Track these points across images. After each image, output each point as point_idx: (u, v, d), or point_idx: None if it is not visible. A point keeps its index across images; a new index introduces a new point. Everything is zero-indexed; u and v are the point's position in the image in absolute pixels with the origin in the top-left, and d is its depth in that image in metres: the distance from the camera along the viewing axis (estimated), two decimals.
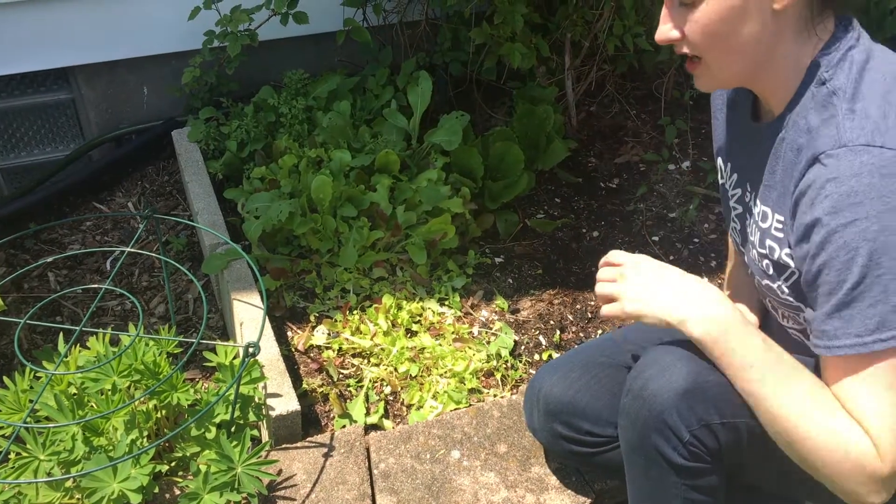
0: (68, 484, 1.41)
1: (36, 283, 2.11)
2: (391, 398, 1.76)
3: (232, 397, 1.47)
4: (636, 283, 1.18)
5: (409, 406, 1.74)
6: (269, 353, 1.66)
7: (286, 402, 1.56)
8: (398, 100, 2.25)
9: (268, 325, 1.73)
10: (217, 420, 1.48)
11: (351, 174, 2.01)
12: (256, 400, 1.56)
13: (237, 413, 1.50)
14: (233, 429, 1.50)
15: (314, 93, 2.25)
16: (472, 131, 2.18)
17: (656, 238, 2.21)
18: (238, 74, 2.38)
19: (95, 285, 1.65)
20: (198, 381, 1.81)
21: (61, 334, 1.68)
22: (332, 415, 1.70)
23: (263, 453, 1.51)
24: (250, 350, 1.37)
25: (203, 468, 1.40)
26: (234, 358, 1.57)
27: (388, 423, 1.70)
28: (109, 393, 1.40)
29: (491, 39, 2.15)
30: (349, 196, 1.94)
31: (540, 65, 2.34)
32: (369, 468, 1.54)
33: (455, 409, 1.69)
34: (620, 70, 2.50)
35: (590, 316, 1.99)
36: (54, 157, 2.52)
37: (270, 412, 1.55)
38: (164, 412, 1.53)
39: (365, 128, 2.16)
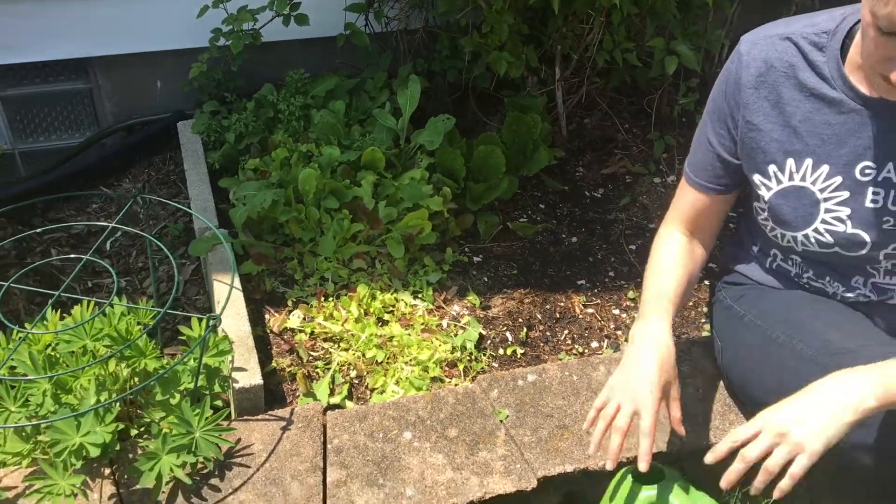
0: (41, 438, 1.51)
1: (39, 259, 2.23)
2: (356, 381, 1.84)
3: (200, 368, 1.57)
4: (800, 431, 1.24)
5: (373, 390, 1.82)
6: (241, 331, 1.76)
7: (250, 377, 1.65)
8: (392, 102, 2.35)
9: (243, 305, 1.83)
10: (182, 388, 1.57)
11: (338, 169, 2.11)
12: (225, 372, 1.66)
13: (203, 383, 1.60)
14: (198, 398, 1.59)
15: (312, 92, 2.36)
16: (457, 134, 2.27)
17: (633, 247, 2.27)
18: (246, 72, 2.49)
19: (75, 255, 1.77)
20: (177, 357, 1.91)
21: (49, 303, 1.79)
22: (297, 393, 1.79)
23: (225, 423, 1.60)
24: (212, 322, 1.46)
25: (165, 431, 1.50)
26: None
27: (350, 405, 1.78)
28: (80, 354, 1.50)
29: (481, 48, 2.24)
30: (333, 189, 2.03)
31: (530, 75, 2.42)
32: (324, 443, 1.63)
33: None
34: (613, 84, 2.57)
35: (557, 316, 2.06)
36: (70, 144, 2.65)
37: (235, 385, 1.64)
38: (136, 380, 1.63)
39: (357, 127, 2.27)
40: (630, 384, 1.41)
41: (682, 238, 1.62)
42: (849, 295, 1.54)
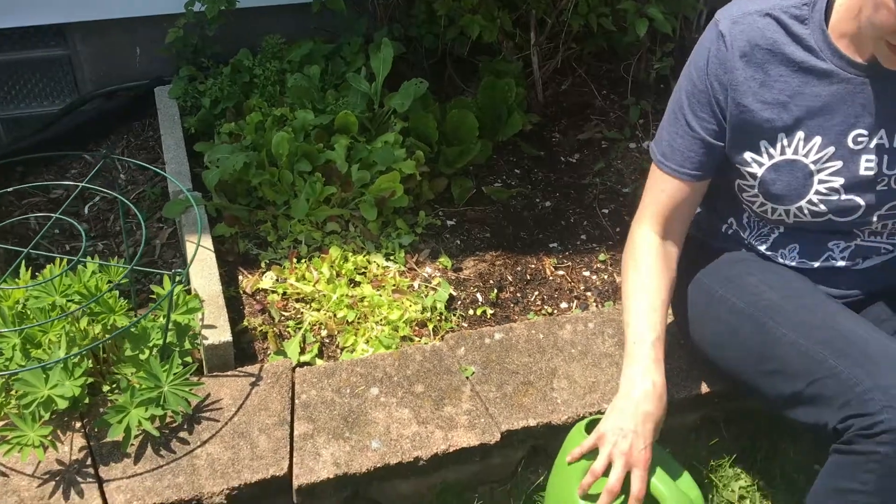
0: (12, 393, 1.54)
1: (17, 224, 2.26)
2: (327, 340, 1.87)
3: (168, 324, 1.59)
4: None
5: (343, 349, 1.85)
6: (211, 290, 1.78)
7: (220, 334, 1.68)
8: (368, 67, 2.36)
9: (214, 266, 1.86)
10: (151, 344, 1.60)
11: (312, 133, 2.13)
12: (195, 330, 1.68)
13: (173, 340, 1.63)
14: (168, 355, 1.62)
15: (288, 57, 2.37)
16: (431, 99, 2.28)
17: (606, 211, 2.30)
18: (222, 38, 2.50)
19: (44, 213, 1.79)
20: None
21: (19, 259, 1.82)
22: (268, 352, 1.82)
23: (194, 378, 1.63)
24: (177, 277, 1.49)
25: (133, 385, 1.53)
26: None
27: (320, 363, 1.81)
28: (49, 310, 1.53)
29: (455, 11, 2.25)
30: (306, 152, 2.05)
31: (505, 40, 2.43)
32: (292, 398, 1.66)
33: None
34: (589, 50, 2.58)
35: (528, 278, 2.08)
36: (50, 111, 2.67)
37: (204, 342, 1.67)
38: (106, 336, 1.66)
39: (332, 91, 2.28)
40: (624, 439, 1.38)
41: (657, 241, 1.53)
42: (808, 262, 1.55)
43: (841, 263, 1.54)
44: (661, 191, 1.53)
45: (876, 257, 1.55)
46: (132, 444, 1.52)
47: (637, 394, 1.41)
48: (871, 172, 1.41)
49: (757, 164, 1.45)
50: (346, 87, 2.29)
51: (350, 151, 2.11)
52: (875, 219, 1.46)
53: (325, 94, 2.27)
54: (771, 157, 1.44)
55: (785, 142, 1.42)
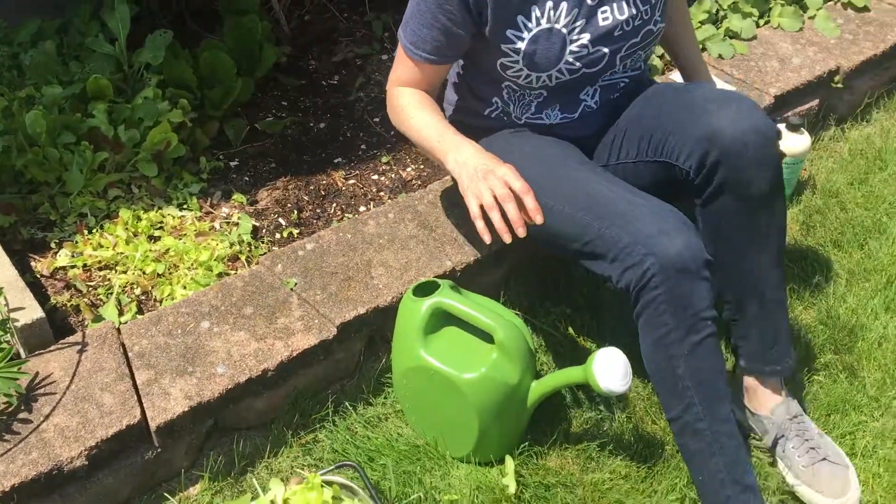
0: None
1: None
2: (143, 298, 1.87)
3: None
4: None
5: (162, 300, 1.86)
6: (6, 276, 1.72)
7: (30, 313, 1.64)
8: (106, 32, 2.30)
9: (2, 252, 1.78)
10: None
11: (66, 105, 2.06)
12: (3, 316, 1.63)
13: None
14: None
15: (17, 39, 2.25)
16: (180, 48, 2.27)
17: (377, 119, 2.42)
18: None
19: None
20: None
21: None
22: (86, 323, 1.79)
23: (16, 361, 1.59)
24: None
25: None
26: None
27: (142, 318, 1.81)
28: None
29: None
30: (66, 124, 1.99)
31: None
32: (125, 353, 1.66)
33: None
34: None
35: (323, 193, 2.17)
36: None
37: (16, 324, 1.62)
38: None
39: (75, 62, 2.21)
40: (482, 175, 1.52)
41: (416, 91, 1.72)
42: (569, 116, 1.76)
43: (594, 106, 1.77)
44: (413, 72, 1.70)
45: (617, 91, 1.79)
46: None
47: (468, 155, 1.57)
48: (609, 22, 1.62)
49: (518, 39, 1.61)
50: (89, 55, 2.22)
51: (111, 115, 2.08)
52: (618, 61, 1.69)
53: (69, 66, 2.20)
54: (529, 30, 1.60)
55: (538, 13, 1.59)
